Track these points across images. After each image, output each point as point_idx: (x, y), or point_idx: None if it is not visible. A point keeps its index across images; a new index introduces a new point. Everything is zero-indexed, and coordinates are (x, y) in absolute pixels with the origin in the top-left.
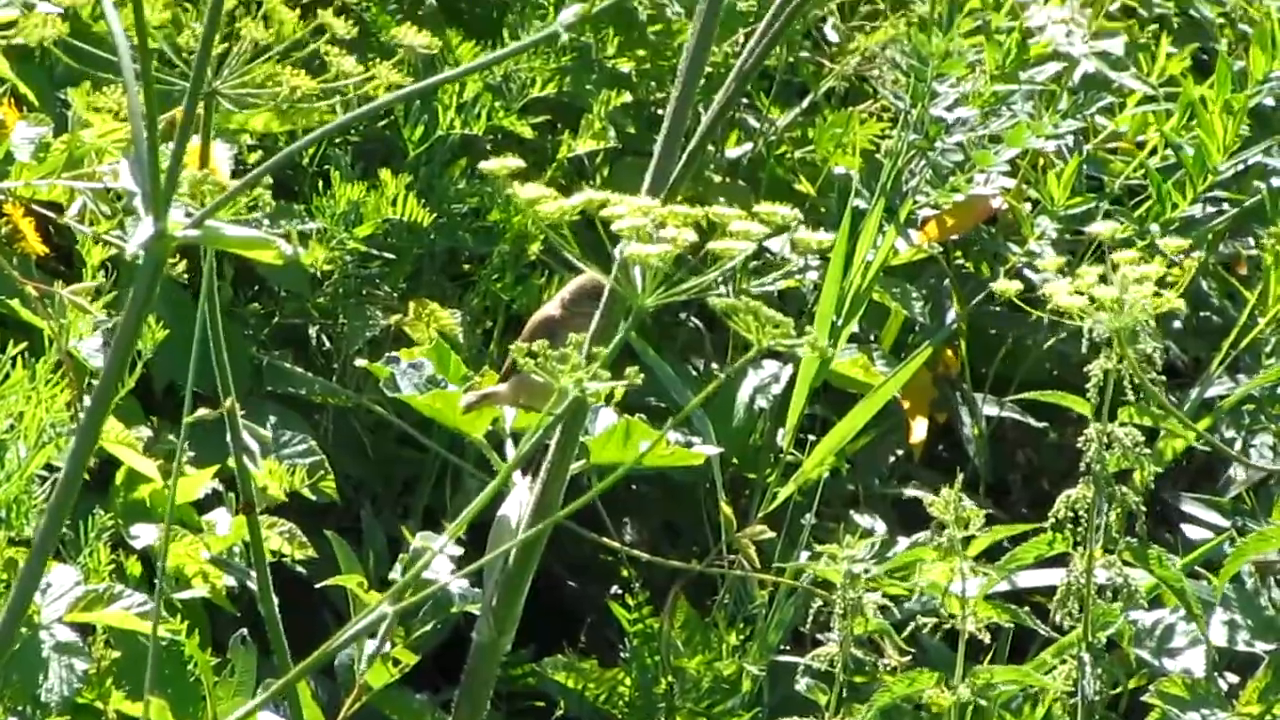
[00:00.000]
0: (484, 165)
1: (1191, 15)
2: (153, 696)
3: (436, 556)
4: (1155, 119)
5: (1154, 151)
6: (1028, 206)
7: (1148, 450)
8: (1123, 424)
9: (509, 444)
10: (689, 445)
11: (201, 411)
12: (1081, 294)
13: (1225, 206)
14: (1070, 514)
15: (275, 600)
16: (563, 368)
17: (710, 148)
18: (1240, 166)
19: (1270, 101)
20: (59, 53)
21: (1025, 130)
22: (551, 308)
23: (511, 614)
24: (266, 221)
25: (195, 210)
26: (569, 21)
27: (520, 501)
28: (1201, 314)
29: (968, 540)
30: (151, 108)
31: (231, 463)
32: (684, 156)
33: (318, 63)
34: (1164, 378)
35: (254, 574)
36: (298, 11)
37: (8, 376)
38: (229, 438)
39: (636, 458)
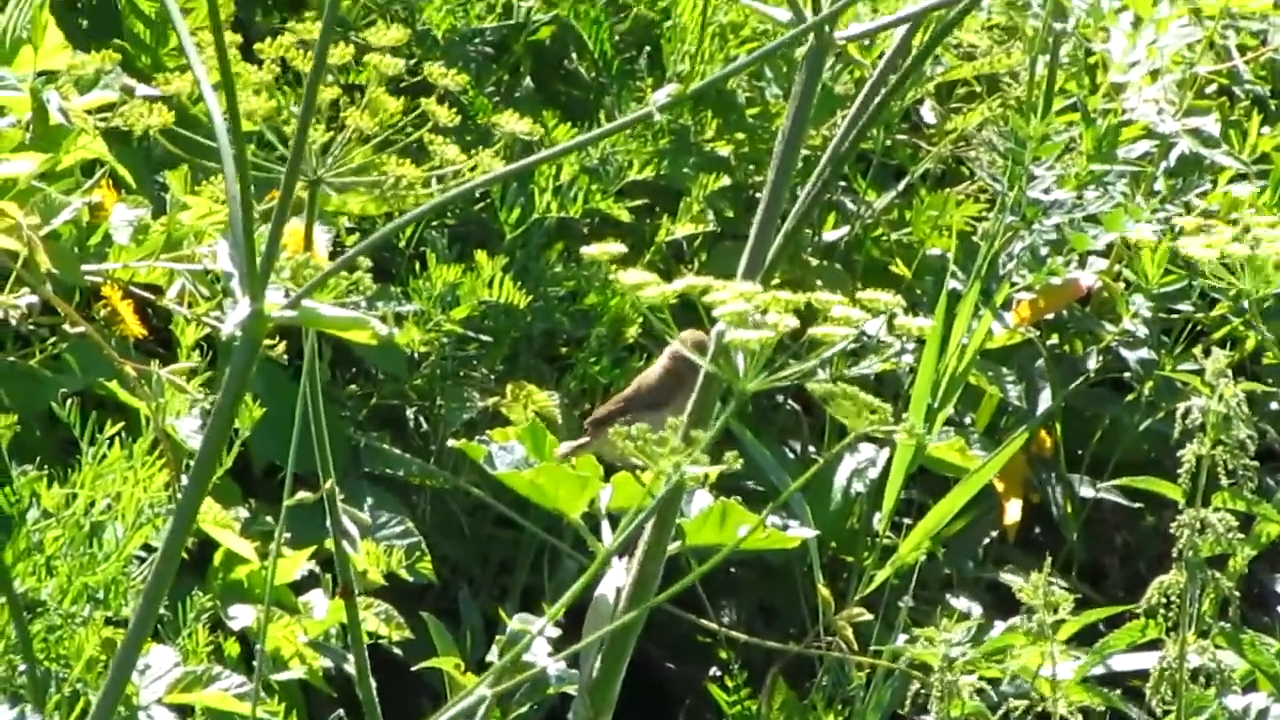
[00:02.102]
0: (585, 251)
1: None
2: None
3: (527, 639)
4: (1249, 197)
5: (1248, 229)
6: (1121, 285)
7: (1242, 535)
8: (1216, 509)
9: (605, 525)
10: (786, 528)
11: (301, 494)
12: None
13: None
14: (1163, 599)
15: (373, 683)
16: (662, 450)
17: (807, 230)
18: None
19: None
20: (160, 138)
21: (1123, 215)
22: (661, 368)
23: (609, 696)
24: (364, 303)
25: (295, 292)
26: (663, 103)
27: (616, 582)
28: None
29: (1058, 624)
30: (246, 191)
31: (328, 543)
32: (779, 239)
33: (418, 148)
34: (1257, 463)
35: (351, 655)
36: (401, 99)
37: (105, 457)
38: (327, 520)
39: (735, 542)
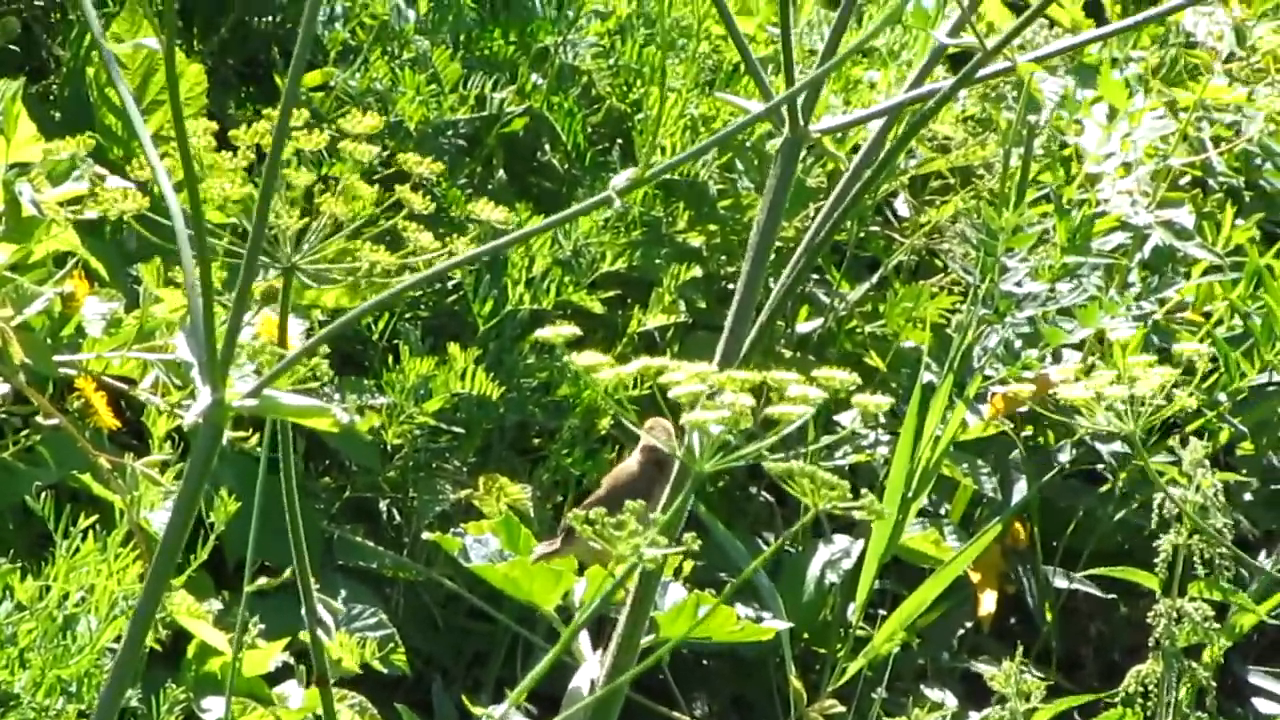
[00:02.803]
0: (540, 333)
1: (1261, 186)
2: None
3: None
4: (1222, 288)
5: (1220, 321)
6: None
7: (1217, 625)
8: (1192, 599)
9: (579, 617)
10: (759, 620)
11: (262, 580)
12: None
13: None
14: (1140, 688)
15: None
16: (620, 534)
17: (780, 323)
18: None
19: None
20: (137, 226)
21: (1098, 309)
22: (634, 463)
23: None
24: (335, 393)
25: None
26: (621, 186)
27: (591, 674)
28: (1273, 487)
29: (1031, 713)
30: (206, 280)
31: (302, 635)
32: (754, 330)
33: (391, 238)
34: (1234, 552)
35: None
36: (375, 188)
37: (79, 549)
38: (302, 610)
39: (703, 628)
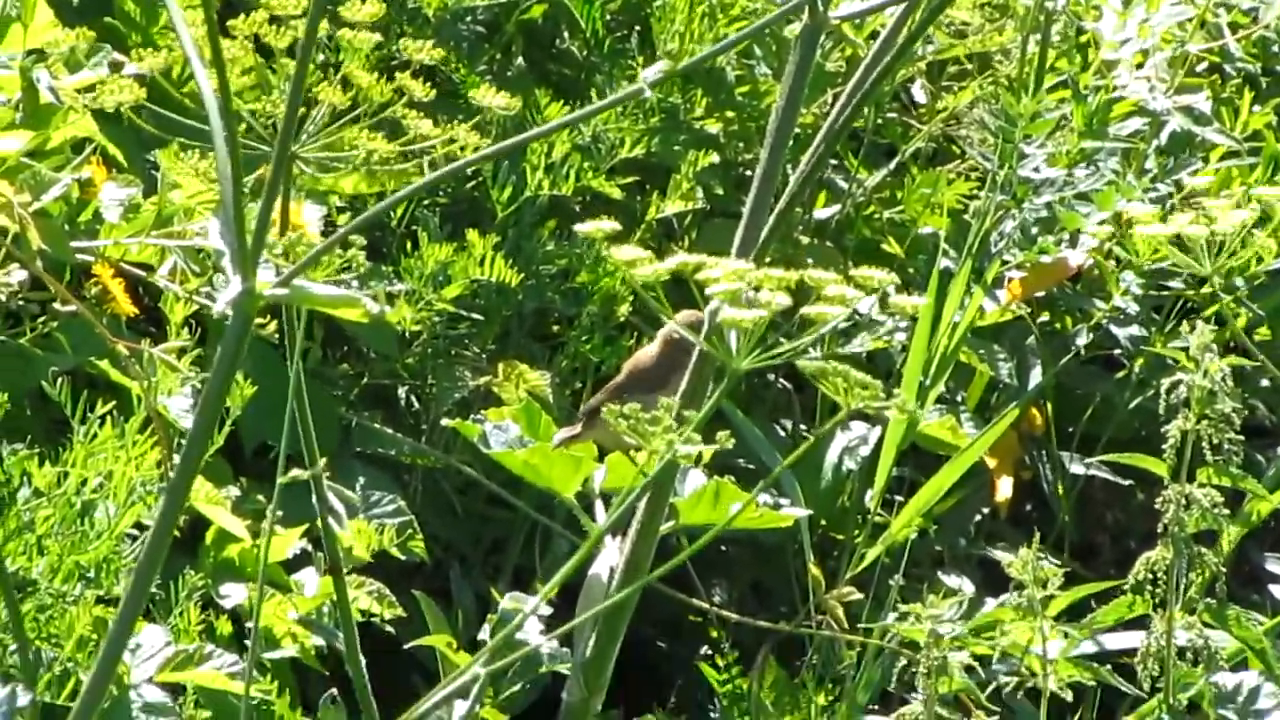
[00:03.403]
0: (579, 228)
1: (1278, 72)
2: None
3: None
4: (1239, 173)
5: (1239, 205)
6: (1111, 263)
7: (1227, 512)
8: (1201, 485)
9: (599, 504)
10: (778, 507)
11: (294, 472)
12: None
13: None
14: (1150, 576)
15: (363, 660)
16: (655, 429)
17: (798, 209)
18: None
19: None
20: (136, 119)
21: (1114, 193)
22: (654, 350)
23: (602, 674)
24: (356, 283)
25: (284, 271)
26: (654, 79)
27: (610, 562)
28: None
29: (1047, 600)
30: (237, 169)
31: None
32: (773, 217)
33: (400, 126)
34: (1242, 438)
35: (339, 635)
36: (376, 75)
37: (96, 435)
38: (314, 500)
39: (727, 520)
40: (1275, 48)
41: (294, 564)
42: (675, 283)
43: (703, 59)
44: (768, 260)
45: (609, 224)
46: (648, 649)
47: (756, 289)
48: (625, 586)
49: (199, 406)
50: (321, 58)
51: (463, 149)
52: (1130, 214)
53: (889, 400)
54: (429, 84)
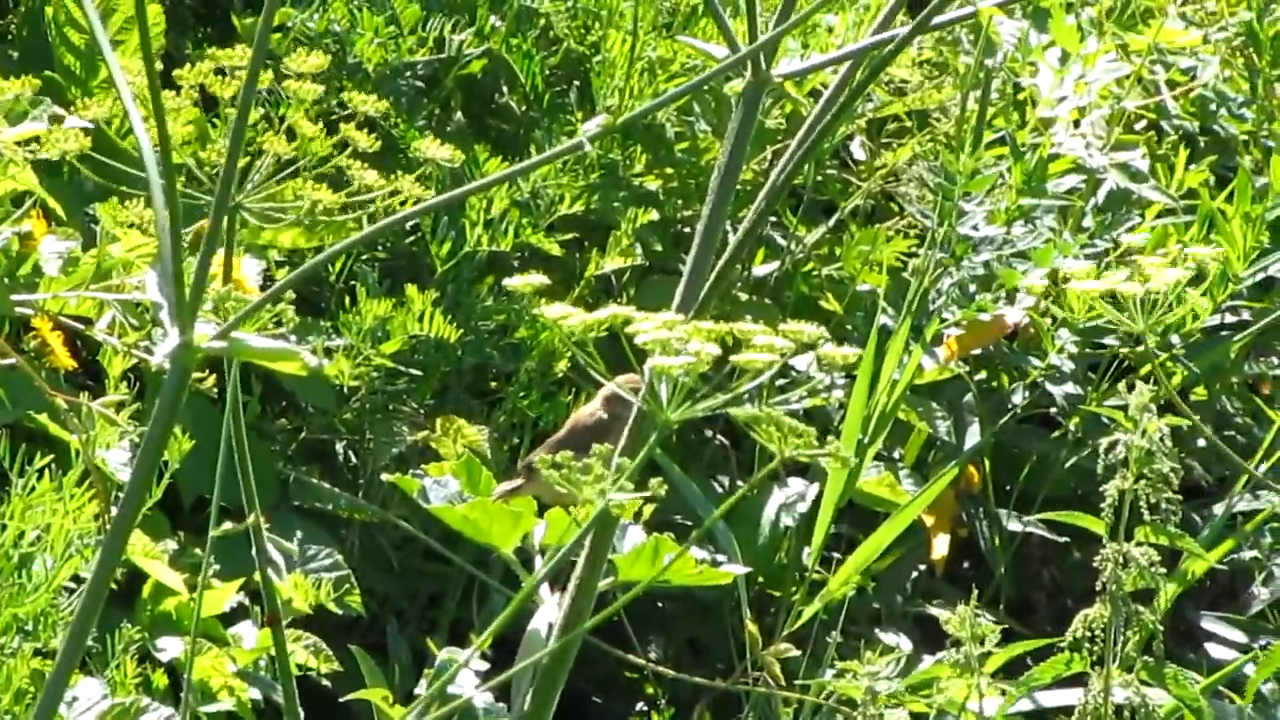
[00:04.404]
0: (509, 282)
1: (1214, 130)
2: None
3: (462, 671)
4: (1175, 231)
5: (1174, 263)
6: (1048, 321)
7: (1164, 570)
8: (1138, 544)
9: (538, 560)
10: (716, 563)
11: (228, 525)
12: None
13: (1247, 317)
14: (1088, 633)
15: (301, 713)
16: (586, 478)
17: (737, 265)
18: (1260, 275)
19: None
20: (83, 168)
21: (1052, 250)
22: (595, 409)
23: None
24: (293, 336)
25: (221, 325)
26: (593, 133)
27: (549, 618)
28: (1225, 433)
29: (985, 657)
30: (175, 221)
31: (257, 576)
32: (714, 274)
33: (343, 178)
34: (1180, 497)
35: (279, 687)
36: (321, 126)
37: (34, 488)
38: (254, 551)
39: (661, 570)
40: (1212, 106)
41: (231, 617)
42: (613, 341)
43: (642, 114)
44: (706, 317)
45: (537, 278)
46: (584, 705)
47: (686, 341)
48: (564, 642)
49: (137, 458)
50: (264, 110)
51: (404, 202)
52: (1066, 271)
53: (823, 448)
54: (370, 137)
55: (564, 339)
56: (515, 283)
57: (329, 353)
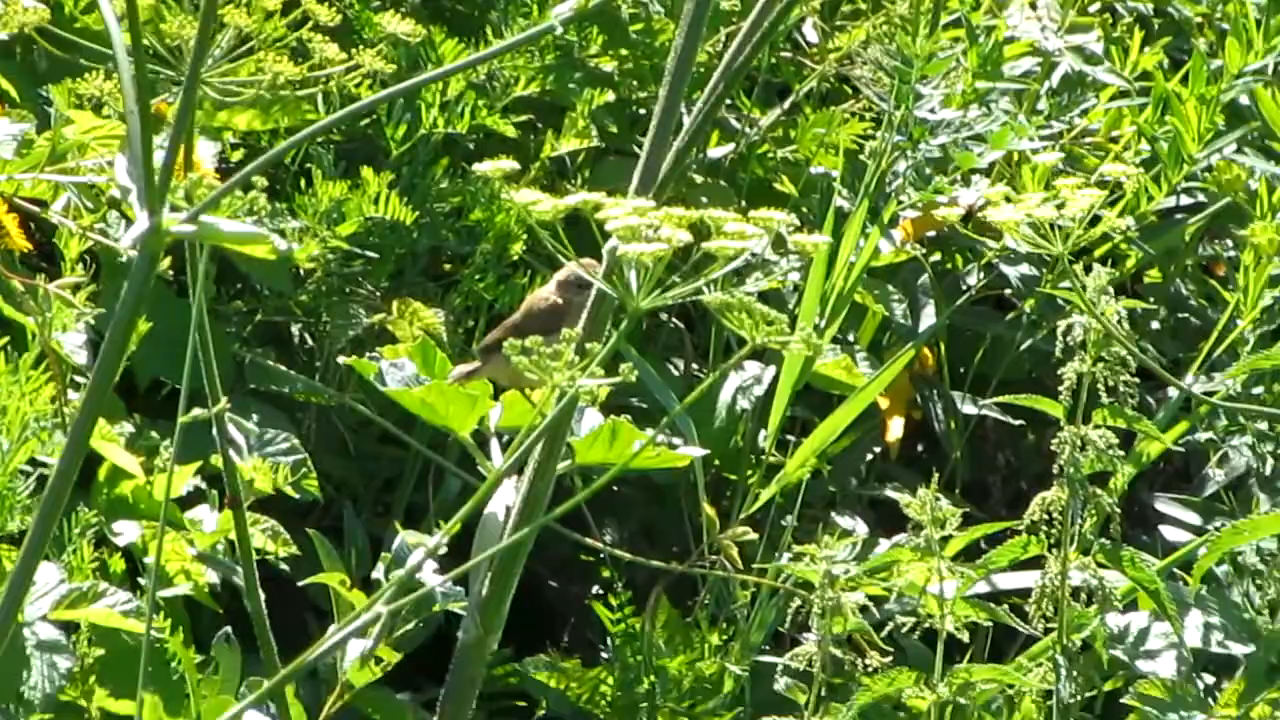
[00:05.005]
0: (478, 167)
1: (1169, 13)
2: (145, 693)
3: (418, 554)
4: (1129, 113)
5: (1128, 146)
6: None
7: (1122, 453)
8: (1096, 426)
9: (494, 443)
10: (673, 447)
11: (196, 411)
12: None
13: (1203, 199)
14: (1045, 516)
15: (262, 596)
16: (556, 364)
17: (693, 149)
18: (1216, 156)
19: (1245, 100)
20: (43, 42)
21: (1009, 133)
22: (549, 292)
23: (499, 614)
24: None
25: (184, 209)
26: (564, 16)
27: (505, 501)
28: (1179, 316)
29: (945, 540)
30: (145, 103)
31: (214, 460)
32: (671, 156)
33: (298, 54)
34: (1138, 379)
35: (239, 570)
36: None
37: None
38: (215, 433)
39: (629, 459)
40: None
41: (187, 501)
42: (570, 223)
43: None
44: (665, 199)
45: (507, 163)
46: (540, 588)
47: (656, 228)
48: (522, 525)
49: (105, 342)
50: None
51: (370, 78)
52: (987, 195)
53: (795, 335)
54: (331, 11)
55: (531, 224)
56: (485, 168)
57: (300, 237)
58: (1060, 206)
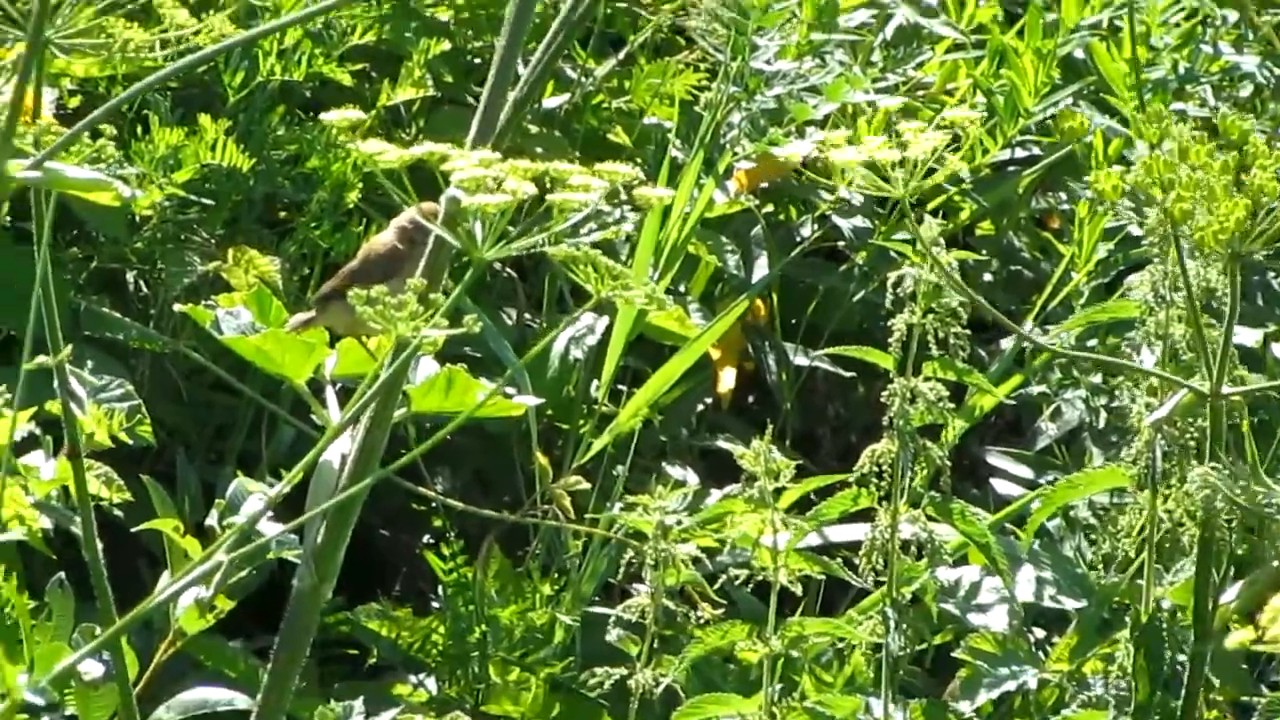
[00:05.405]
0: (324, 117)
1: None
2: None
3: (254, 503)
4: (965, 66)
5: (964, 100)
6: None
7: (953, 406)
8: (927, 379)
9: (329, 391)
10: (507, 396)
11: (41, 358)
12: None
13: (1037, 152)
14: (875, 469)
15: (99, 545)
16: (400, 314)
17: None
18: (1052, 110)
19: (1080, 54)
20: None
21: (844, 85)
22: (390, 238)
23: (333, 563)
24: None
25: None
26: None
27: (341, 449)
28: (1012, 269)
29: (778, 492)
30: None
31: (49, 406)
32: (509, 107)
33: (146, 12)
34: (969, 332)
35: (75, 517)
36: None
37: None
38: (56, 383)
39: (470, 410)
40: None
41: (20, 447)
42: (409, 171)
43: None
44: (503, 150)
45: (353, 113)
46: (371, 537)
47: (500, 180)
48: (358, 475)
49: None
50: None
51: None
52: (829, 138)
53: (640, 289)
54: None
55: (375, 172)
56: (331, 117)
57: (142, 184)
58: (904, 149)
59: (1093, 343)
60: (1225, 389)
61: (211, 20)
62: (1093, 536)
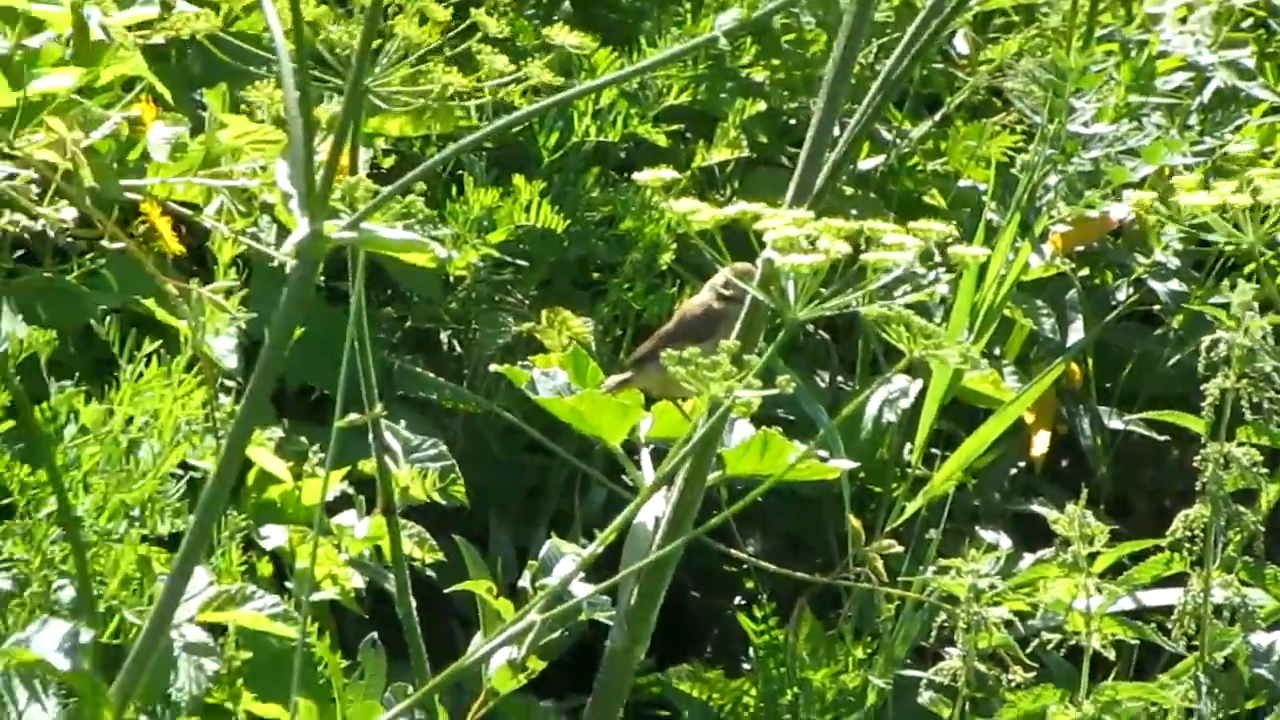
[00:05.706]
0: (637, 177)
1: None
2: (298, 697)
3: (566, 564)
4: None
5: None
6: (1153, 218)
7: (1266, 471)
8: (1240, 444)
9: (645, 453)
10: (820, 459)
11: (353, 416)
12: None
13: None
14: (1188, 533)
15: (413, 602)
16: (713, 375)
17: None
18: None
19: None
20: (212, 47)
21: (1162, 147)
22: (704, 299)
23: (647, 624)
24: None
25: (342, 214)
26: (727, 27)
27: (655, 511)
28: None
29: (1092, 557)
30: (307, 109)
31: (362, 465)
32: (827, 167)
33: (462, 63)
34: None
35: (388, 576)
36: (450, 9)
37: (143, 374)
38: (371, 439)
39: (781, 471)
40: None
41: (333, 506)
42: (722, 231)
43: (775, 10)
44: (820, 211)
45: (667, 173)
46: (683, 598)
47: (814, 240)
48: (671, 536)
49: (264, 348)
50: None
51: (533, 89)
52: (1176, 182)
53: (954, 349)
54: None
55: (674, 230)
56: (644, 177)
57: (458, 245)
58: (1255, 194)
59: None
60: None
61: (531, 67)
62: None
